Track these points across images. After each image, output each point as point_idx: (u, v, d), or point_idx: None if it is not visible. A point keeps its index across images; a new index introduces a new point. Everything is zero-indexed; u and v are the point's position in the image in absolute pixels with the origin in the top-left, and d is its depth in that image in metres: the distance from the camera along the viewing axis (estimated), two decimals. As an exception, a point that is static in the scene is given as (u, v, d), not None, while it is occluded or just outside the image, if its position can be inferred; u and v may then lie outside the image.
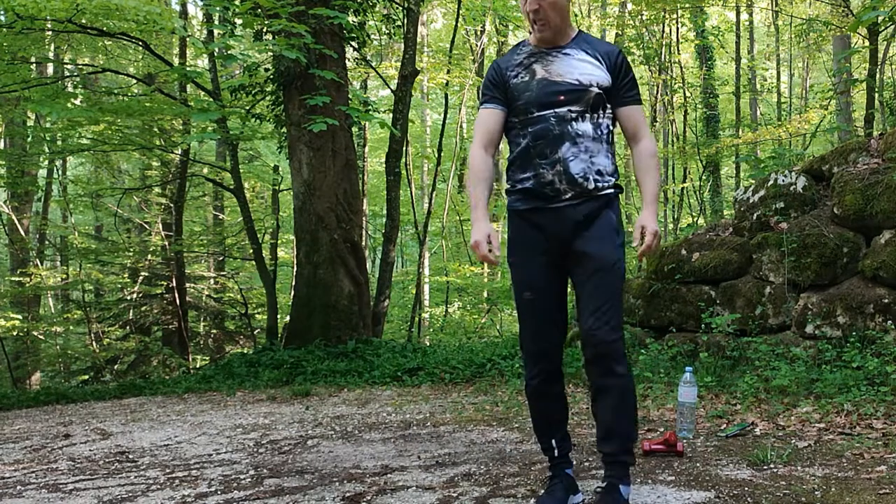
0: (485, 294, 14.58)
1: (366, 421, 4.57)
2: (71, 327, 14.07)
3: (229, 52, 8.44)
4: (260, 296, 13.93)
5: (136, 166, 15.53)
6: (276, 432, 4.32)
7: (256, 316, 14.13)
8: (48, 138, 11.97)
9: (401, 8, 9.63)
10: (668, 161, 14.32)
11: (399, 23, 9.73)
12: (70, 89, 11.40)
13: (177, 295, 11.94)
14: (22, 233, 13.63)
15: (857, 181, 5.04)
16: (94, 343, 12.66)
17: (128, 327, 13.03)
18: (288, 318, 9.37)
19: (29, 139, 12.93)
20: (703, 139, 12.86)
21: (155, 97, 10.03)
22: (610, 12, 15.25)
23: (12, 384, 11.02)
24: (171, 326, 12.49)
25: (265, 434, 4.28)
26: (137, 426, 4.80)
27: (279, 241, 15.03)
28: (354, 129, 10.40)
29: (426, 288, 15.70)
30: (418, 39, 10.84)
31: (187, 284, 13.05)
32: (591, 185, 2.45)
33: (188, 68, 10.62)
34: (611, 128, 2.52)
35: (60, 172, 15.60)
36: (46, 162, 13.50)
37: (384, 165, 9.58)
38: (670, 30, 12.91)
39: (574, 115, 2.43)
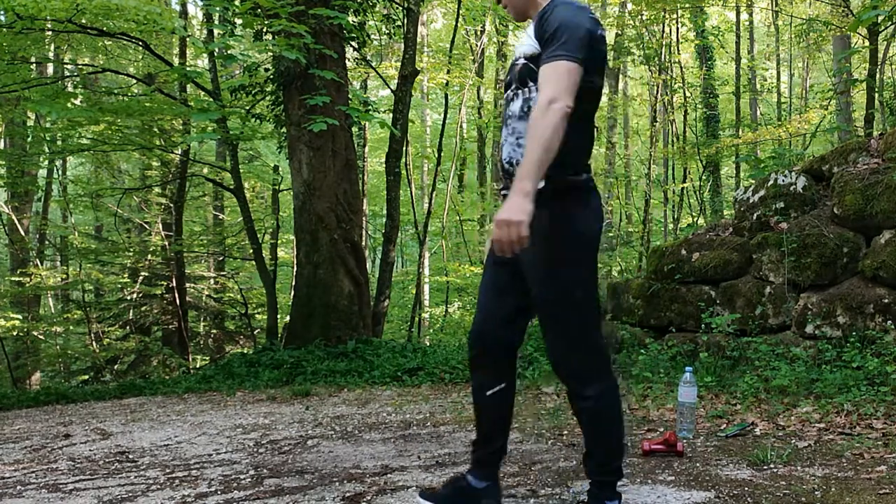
0: (485, 294, 14.55)
1: (366, 421, 4.57)
2: (71, 327, 14.07)
3: (229, 52, 8.45)
4: (260, 296, 13.94)
5: (136, 166, 15.54)
6: (276, 432, 4.32)
7: (256, 316, 14.14)
8: (48, 138, 11.97)
9: (401, 8, 9.64)
10: (668, 161, 14.32)
11: (399, 23, 9.74)
12: (70, 89, 11.40)
13: (177, 295, 11.95)
14: (22, 233, 13.63)
15: (857, 181, 5.04)
16: (94, 343, 12.67)
17: (128, 327, 13.04)
18: (288, 318, 9.37)
19: (29, 139, 12.93)
20: (703, 139, 12.86)
21: (155, 97, 10.03)
22: (610, 12, 15.25)
23: (12, 384, 11.02)
24: (171, 326, 12.50)
25: (265, 434, 4.28)
26: (137, 426, 4.80)
27: (279, 241, 15.04)
28: (354, 129, 10.41)
29: (426, 288, 15.70)
30: (418, 39, 10.84)
31: (187, 284, 13.05)
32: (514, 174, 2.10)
33: (188, 68, 10.63)
34: None
35: (60, 172, 15.61)
36: (46, 162, 13.50)
37: (384, 165, 9.59)
38: (670, 30, 12.91)
39: (511, 94, 2.24)
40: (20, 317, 12.81)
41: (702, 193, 12.67)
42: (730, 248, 5.70)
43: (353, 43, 9.19)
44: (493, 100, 17.63)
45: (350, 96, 8.64)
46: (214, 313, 14.27)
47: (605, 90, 18.82)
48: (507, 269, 2.31)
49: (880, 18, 6.10)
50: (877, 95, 9.11)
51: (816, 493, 2.58)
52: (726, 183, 15.35)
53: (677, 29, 13.03)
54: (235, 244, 14.23)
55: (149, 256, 13.22)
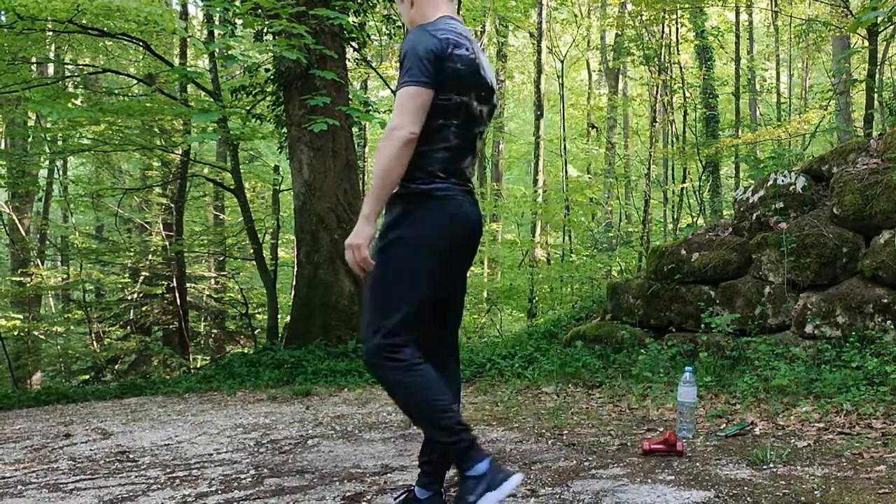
0: (485, 294, 14.58)
1: (366, 420, 4.58)
2: (72, 327, 14.08)
3: (230, 52, 8.46)
4: (260, 296, 13.94)
5: (137, 166, 15.55)
6: (277, 432, 4.32)
7: (257, 316, 14.14)
8: (49, 138, 11.98)
9: (401, 8, 9.62)
10: (667, 161, 14.32)
11: (399, 23, 9.74)
12: (71, 89, 11.41)
13: (177, 295, 11.95)
14: (23, 233, 13.64)
15: (857, 181, 5.04)
16: (94, 343, 12.67)
17: (128, 327, 13.04)
18: (288, 317, 9.37)
19: (30, 139, 12.94)
20: (703, 139, 12.86)
21: (155, 97, 10.04)
22: (610, 12, 15.25)
23: (13, 384, 11.02)
24: (171, 326, 12.50)
25: (266, 434, 4.28)
26: (138, 426, 4.81)
27: (279, 241, 15.04)
28: (355, 130, 10.41)
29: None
30: (418, 40, 10.83)
31: (188, 284, 13.06)
32: None
33: (189, 69, 10.63)
34: None
35: (61, 172, 15.62)
36: (47, 162, 13.52)
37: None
38: (670, 30, 12.90)
39: None
40: (21, 317, 12.82)
41: (701, 193, 12.67)
42: (729, 248, 5.71)
43: (354, 43, 9.19)
44: (493, 100, 17.61)
45: (350, 97, 8.65)
46: (215, 313, 14.28)
47: (605, 90, 18.82)
48: None
49: (880, 19, 6.11)
50: (876, 96, 9.12)
51: (816, 492, 2.58)
52: (726, 183, 15.35)
53: (677, 29, 13.03)
54: (236, 244, 14.24)
55: (149, 256, 13.23)
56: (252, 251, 10.81)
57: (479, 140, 2.40)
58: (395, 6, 9.73)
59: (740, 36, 14.02)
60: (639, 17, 12.29)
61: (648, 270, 6.30)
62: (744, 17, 14.86)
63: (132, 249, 13.39)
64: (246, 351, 10.96)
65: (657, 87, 13.01)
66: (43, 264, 14.57)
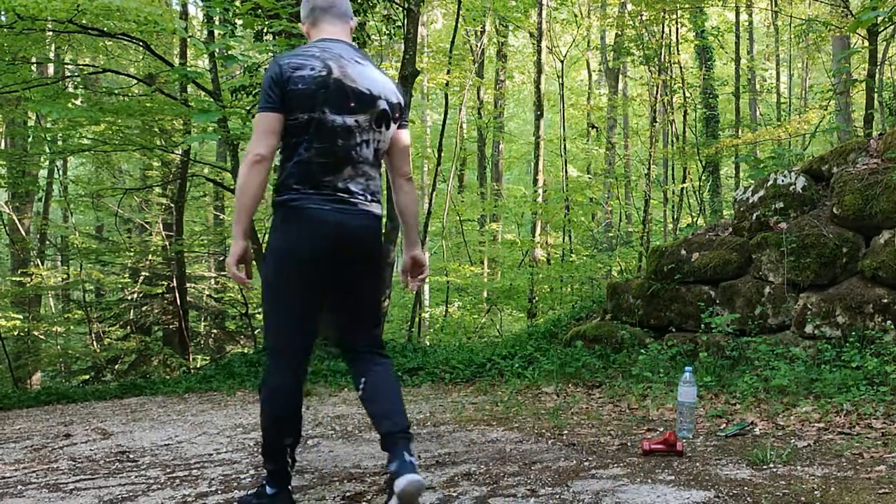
0: (485, 294, 14.58)
1: (366, 420, 4.58)
2: (72, 327, 14.07)
3: (230, 52, 8.45)
4: (260, 296, 13.92)
5: (137, 166, 15.55)
6: (277, 432, 4.32)
7: (257, 316, 14.12)
8: (49, 138, 11.97)
9: (401, 8, 9.64)
10: (667, 161, 14.32)
11: (399, 23, 9.74)
12: (71, 89, 11.40)
13: (177, 295, 11.95)
14: (23, 233, 13.64)
15: (857, 181, 5.05)
16: (94, 343, 12.67)
17: (128, 327, 13.04)
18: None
19: (30, 139, 12.93)
20: (703, 139, 12.86)
21: (155, 97, 10.03)
22: (610, 12, 15.25)
23: (13, 384, 11.02)
24: (171, 326, 12.50)
25: (266, 434, 4.28)
26: (138, 426, 4.81)
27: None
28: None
29: (426, 288, 15.71)
30: (418, 40, 10.85)
31: (188, 284, 13.05)
32: None
33: (189, 69, 10.62)
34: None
35: (61, 172, 15.61)
36: (47, 162, 13.50)
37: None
38: (670, 30, 12.89)
39: None
40: (21, 317, 12.81)
41: (701, 193, 12.67)
42: (729, 248, 5.71)
43: (354, 43, 9.19)
44: (493, 100, 17.63)
45: (350, 96, 8.63)
46: (215, 313, 14.28)
47: (605, 90, 18.82)
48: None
49: (880, 19, 6.11)
50: (876, 96, 9.12)
51: (816, 492, 2.58)
52: (726, 183, 15.35)
53: (677, 29, 13.02)
54: (236, 244, 14.21)
55: (149, 256, 13.22)
56: (252, 251, 10.80)
57: (363, 148, 2.49)
58: (395, 6, 9.75)
59: (740, 36, 14.02)
60: (639, 17, 12.28)
61: (648, 270, 6.30)
62: (744, 17, 14.86)
63: (132, 249, 13.38)
64: (246, 351, 10.97)
65: (657, 87, 13.01)
66: (43, 264, 14.56)
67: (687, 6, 11.84)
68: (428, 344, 10.70)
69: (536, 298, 12.73)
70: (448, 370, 6.52)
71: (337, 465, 3.33)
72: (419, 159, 19.40)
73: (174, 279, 12.07)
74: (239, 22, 7.92)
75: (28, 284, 12.98)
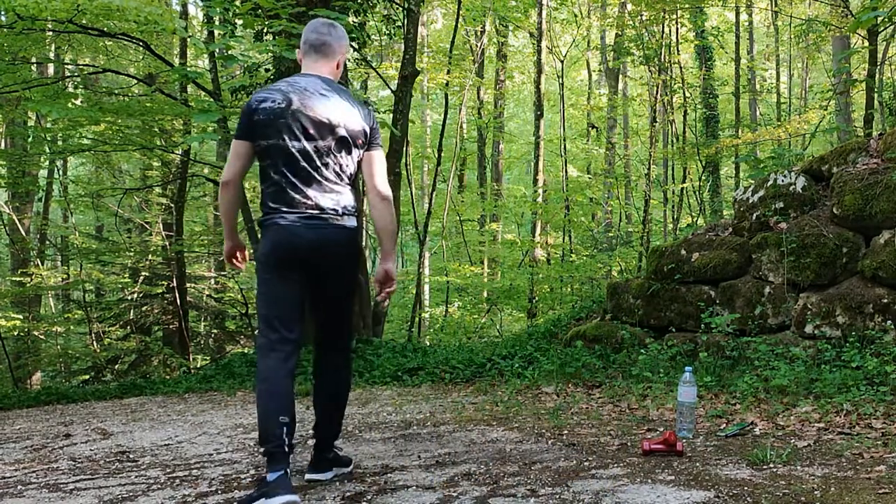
0: (485, 294, 14.58)
1: (366, 420, 4.58)
2: (72, 327, 14.07)
3: (230, 52, 8.45)
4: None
5: (137, 166, 15.55)
6: (277, 432, 4.32)
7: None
8: (49, 138, 11.97)
9: (401, 8, 9.64)
10: (667, 161, 14.33)
11: (399, 23, 9.74)
12: (71, 89, 11.40)
13: (177, 295, 11.95)
14: (23, 233, 13.64)
15: (857, 181, 5.05)
16: (94, 343, 12.67)
17: (128, 327, 13.04)
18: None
19: (30, 139, 12.92)
20: (703, 139, 12.86)
21: (155, 97, 10.03)
22: (610, 12, 15.25)
23: (13, 384, 11.02)
24: (171, 326, 12.50)
25: (266, 434, 4.28)
26: (138, 426, 4.81)
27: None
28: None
29: (426, 288, 15.71)
30: (418, 40, 10.85)
31: (188, 284, 13.05)
32: None
33: (189, 69, 10.62)
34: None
35: (61, 172, 15.62)
36: (47, 162, 13.50)
37: (384, 166, 9.56)
38: (670, 30, 12.90)
39: None
40: (21, 317, 12.81)
41: (701, 193, 12.67)
42: (729, 248, 5.71)
43: (354, 43, 9.18)
44: (493, 100, 17.64)
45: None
46: (215, 313, 14.28)
47: (605, 91, 18.82)
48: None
49: (879, 19, 6.11)
50: (876, 96, 9.12)
51: (816, 492, 2.58)
52: (726, 183, 15.35)
53: (677, 29, 13.02)
54: (236, 244, 14.21)
55: (149, 256, 13.22)
56: (252, 251, 10.80)
57: (325, 170, 2.79)
58: (394, 6, 9.75)
59: (740, 36, 14.02)
60: (639, 17, 12.28)
61: (648, 270, 6.30)
62: (744, 17, 14.87)
63: (132, 249, 13.38)
64: (246, 351, 10.97)
65: (657, 87, 13.01)
66: (43, 264, 14.56)
67: (687, 6, 11.85)
68: (428, 344, 10.70)
69: (536, 298, 12.74)
70: (448, 370, 6.52)
71: (337, 465, 3.33)
72: (419, 159, 19.42)
73: (174, 279, 12.08)
74: (239, 22, 7.91)
75: (28, 284, 12.98)
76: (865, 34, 8.35)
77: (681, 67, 13.02)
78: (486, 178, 18.06)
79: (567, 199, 14.10)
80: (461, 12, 12.57)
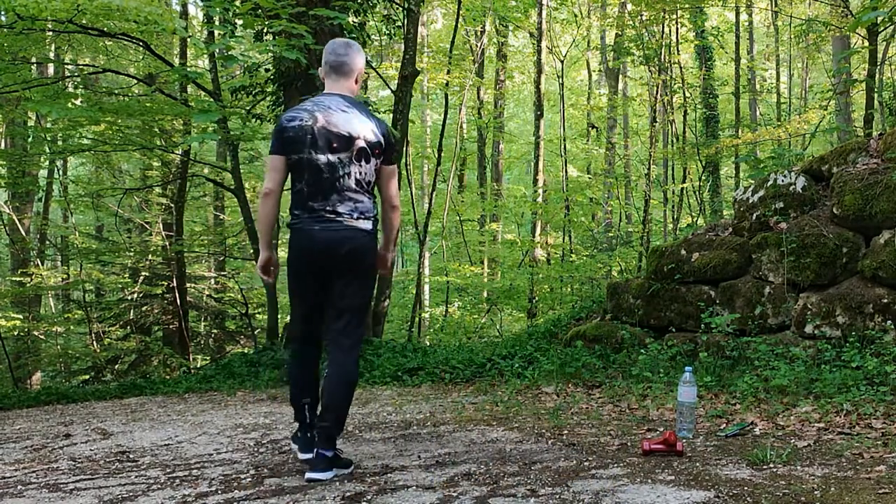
0: (485, 294, 14.58)
1: (366, 420, 4.58)
2: (72, 327, 14.07)
3: (230, 52, 8.44)
4: (260, 296, 13.94)
5: (137, 166, 15.54)
6: (277, 432, 4.33)
7: (257, 316, 14.14)
8: (49, 138, 11.97)
9: (401, 8, 9.64)
10: (667, 161, 14.32)
11: (399, 23, 9.73)
12: (71, 89, 11.39)
13: (177, 295, 11.95)
14: (23, 233, 13.64)
15: (857, 181, 5.05)
16: (94, 343, 12.67)
17: (128, 327, 13.04)
18: (288, 318, 9.34)
19: (30, 139, 12.92)
20: (703, 139, 12.85)
21: (155, 97, 10.03)
22: (610, 12, 15.25)
23: (13, 384, 11.02)
24: (171, 326, 12.50)
25: (266, 434, 4.28)
26: (138, 426, 4.81)
27: (279, 242, 15.01)
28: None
29: (426, 288, 15.71)
30: (418, 40, 10.85)
31: (188, 284, 13.05)
32: None
33: (189, 69, 10.63)
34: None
35: (61, 172, 15.61)
36: (47, 162, 13.50)
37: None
38: (670, 30, 12.89)
39: None
40: (21, 317, 12.81)
41: (701, 193, 12.67)
42: (729, 248, 5.71)
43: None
44: (493, 100, 17.63)
45: (350, 97, 8.61)
46: (215, 313, 14.28)
47: (605, 91, 18.82)
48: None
49: (879, 19, 6.11)
50: (876, 96, 9.12)
51: (816, 492, 2.58)
52: (726, 183, 15.35)
53: (677, 29, 13.02)
54: (236, 244, 14.23)
55: (149, 256, 13.22)
56: (252, 251, 10.81)
57: (345, 179, 3.10)
58: (394, 6, 9.74)
59: (740, 36, 14.02)
60: (639, 17, 12.28)
61: (648, 270, 6.30)
62: (744, 17, 14.86)
63: (132, 249, 13.38)
64: (246, 351, 10.96)
65: (657, 87, 13.01)
66: (43, 264, 14.56)
67: (687, 6, 11.84)
68: (428, 344, 10.70)
69: (536, 298, 12.73)
70: (448, 370, 6.52)
71: (337, 465, 3.33)
72: (419, 159, 19.41)
73: (174, 279, 12.08)
74: (239, 22, 7.91)
75: (28, 284, 12.98)
76: (865, 34, 8.35)
77: (681, 67, 13.02)
78: (486, 178, 18.05)
79: (567, 199, 14.10)
80: (461, 12, 12.56)
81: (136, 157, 14.46)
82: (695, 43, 13.46)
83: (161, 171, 13.78)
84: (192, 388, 7.13)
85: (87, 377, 12.55)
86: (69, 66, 12.24)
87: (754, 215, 5.66)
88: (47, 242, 15.65)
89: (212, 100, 9.49)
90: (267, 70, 8.81)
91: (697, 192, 12.68)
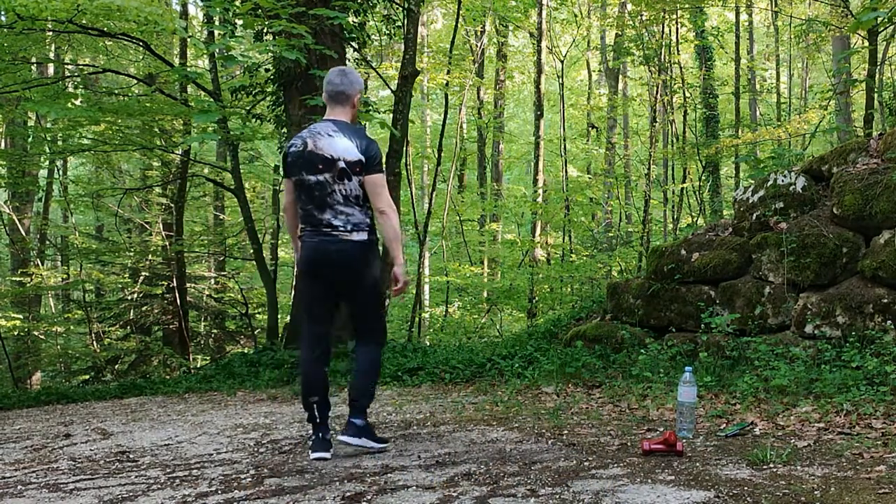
0: (485, 294, 14.58)
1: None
2: (72, 327, 14.07)
3: (230, 52, 8.44)
4: (260, 296, 13.94)
5: (137, 166, 15.54)
6: (277, 432, 4.33)
7: (257, 316, 14.14)
8: (49, 138, 11.97)
9: (401, 8, 9.64)
10: (667, 161, 14.32)
11: (399, 23, 9.73)
12: (71, 89, 11.39)
13: (177, 295, 11.95)
14: (23, 233, 13.64)
15: (857, 181, 5.05)
16: (94, 343, 12.67)
17: (128, 327, 13.04)
18: (288, 317, 9.36)
19: (30, 139, 12.92)
20: (703, 139, 12.85)
21: (155, 97, 10.03)
22: (610, 12, 15.25)
23: (13, 384, 11.02)
24: (171, 326, 12.50)
25: (266, 434, 4.29)
26: (138, 426, 4.81)
27: (280, 242, 15.04)
28: (355, 130, 10.35)
29: (426, 288, 15.71)
30: (418, 40, 10.84)
31: (188, 284, 13.05)
32: None
33: (189, 69, 10.63)
34: None
35: (61, 172, 15.61)
36: (47, 162, 13.49)
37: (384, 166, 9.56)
38: (670, 30, 12.89)
39: None
40: (21, 317, 12.81)
41: (701, 193, 12.67)
42: (729, 248, 5.71)
43: (354, 43, 9.18)
44: (493, 100, 17.63)
45: (350, 96, 8.61)
46: (215, 313, 14.28)
47: (605, 90, 18.83)
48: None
49: (879, 19, 6.11)
50: (876, 96, 9.12)
51: (816, 492, 2.58)
52: (726, 183, 15.34)
53: (677, 29, 13.02)
54: (236, 244, 14.24)
55: (149, 256, 13.22)
56: (252, 251, 10.81)
57: (334, 195, 3.47)
58: (394, 6, 9.74)
59: (740, 36, 14.01)
60: (639, 17, 12.28)
61: (648, 270, 6.30)
62: (744, 17, 14.86)
63: (132, 249, 13.38)
64: (246, 351, 10.96)
65: (657, 87, 13.01)
66: (43, 264, 14.56)
67: (687, 6, 11.85)
68: (428, 344, 10.70)
69: (536, 298, 12.73)
70: (448, 370, 6.52)
71: (337, 465, 3.33)
72: (419, 159, 19.40)
73: (174, 279, 12.07)
74: (239, 22, 7.91)
75: (28, 284, 12.98)
76: (865, 34, 8.35)
77: (681, 67, 13.03)
78: (486, 178, 18.06)
79: (567, 199, 14.10)
80: (461, 12, 12.56)
81: (136, 157, 14.46)
82: (695, 43, 13.46)
83: (161, 171, 13.78)
84: (192, 388, 7.14)
85: (87, 377, 12.55)
86: (69, 66, 12.24)
87: (754, 215, 5.66)
88: (47, 242, 15.65)
89: (212, 100, 9.49)
90: (267, 70, 8.81)
91: (697, 192, 12.68)
